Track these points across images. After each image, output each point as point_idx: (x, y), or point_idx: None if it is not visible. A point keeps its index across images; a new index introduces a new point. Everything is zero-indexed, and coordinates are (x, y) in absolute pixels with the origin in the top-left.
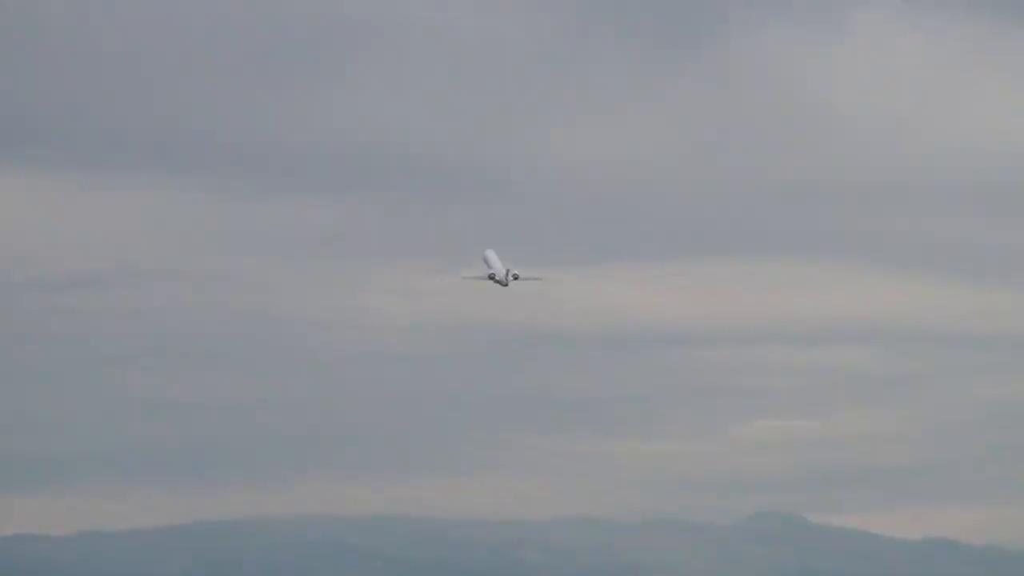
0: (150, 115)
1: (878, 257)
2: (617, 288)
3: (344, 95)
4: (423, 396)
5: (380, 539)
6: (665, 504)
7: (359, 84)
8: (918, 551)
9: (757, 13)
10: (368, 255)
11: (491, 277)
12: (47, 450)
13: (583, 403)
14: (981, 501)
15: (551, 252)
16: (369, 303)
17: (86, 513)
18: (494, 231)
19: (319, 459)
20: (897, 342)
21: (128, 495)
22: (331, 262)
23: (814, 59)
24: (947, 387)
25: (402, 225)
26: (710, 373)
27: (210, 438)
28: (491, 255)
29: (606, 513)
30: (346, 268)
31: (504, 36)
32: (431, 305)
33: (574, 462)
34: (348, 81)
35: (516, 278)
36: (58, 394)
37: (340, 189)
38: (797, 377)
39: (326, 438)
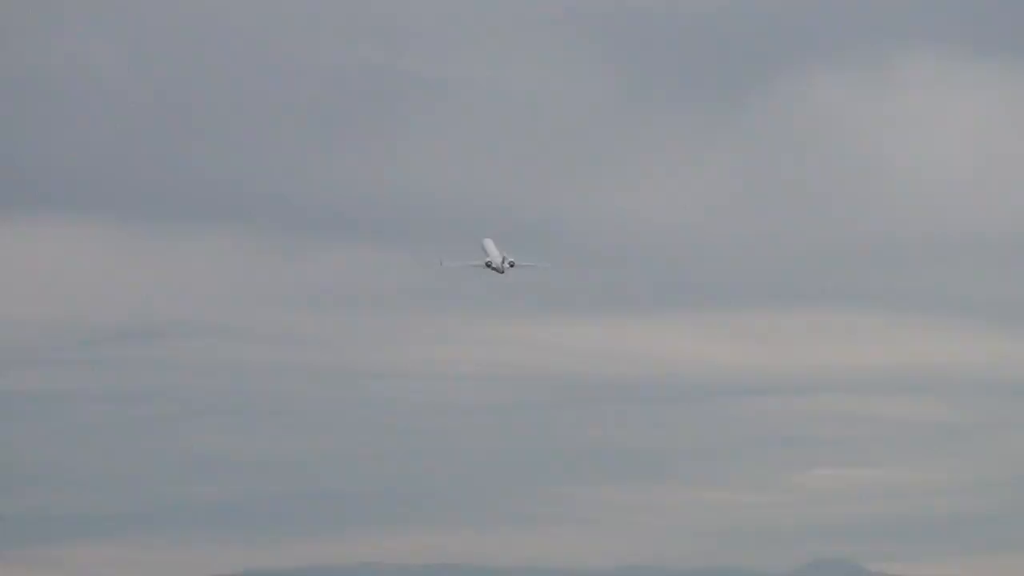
0: (212, 168)
1: (937, 309)
2: (675, 338)
3: (405, 150)
4: (481, 446)
5: None
6: (723, 553)
7: (419, 139)
8: None
9: (807, 67)
10: (428, 308)
11: (488, 265)
12: (99, 503)
13: (641, 453)
14: None
15: (608, 303)
16: (428, 355)
17: (138, 563)
18: (553, 283)
19: (376, 510)
20: (956, 392)
21: (181, 545)
22: (391, 315)
23: (866, 112)
24: (1006, 437)
25: (462, 278)
26: (768, 422)
27: (269, 492)
28: (489, 244)
29: (664, 562)
30: (406, 321)
31: (564, 93)
32: (489, 356)
33: (632, 512)
34: (409, 136)
35: (512, 265)
36: (114, 449)
37: (399, 244)
38: (856, 426)
39: (383, 489)
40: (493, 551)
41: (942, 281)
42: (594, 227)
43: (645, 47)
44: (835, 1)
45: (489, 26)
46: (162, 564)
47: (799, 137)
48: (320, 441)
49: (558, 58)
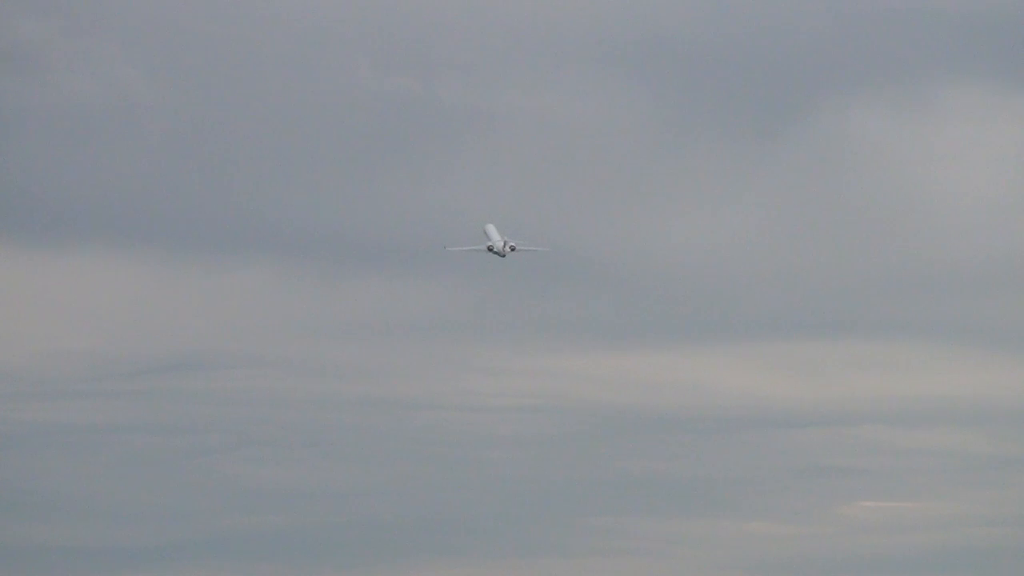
0: (252, 201)
1: (982, 339)
2: (719, 369)
3: (442, 180)
4: (526, 479)
5: None
6: None
7: (457, 170)
8: None
9: (849, 97)
10: (469, 337)
11: (490, 249)
12: (143, 535)
13: (684, 484)
14: None
15: (652, 334)
16: (471, 385)
17: None
18: (595, 313)
19: (417, 542)
20: (1001, 423)
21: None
22: (432, 345)
23: (907, 143)
24: None
25: (502, 308)
26: (813, 454)
27: (309, 523)
28: (491, 229)
29: None
30: (447, 351)
31: (603, 124)
32: (532, 387)
33: (675, 544)
34: (446, 166)
35: (513, 249)
36: (159, 480)
37: (439, 274)
38: (901, 458)
39: (425, 520)
40: None
41: (984, 312)
42: (633, 258)
43: (685, 76)
44: (877, 32)
45: (527, 55)
46: None
47: (840, 168)
48: (361, 472)
49: (597, 87)
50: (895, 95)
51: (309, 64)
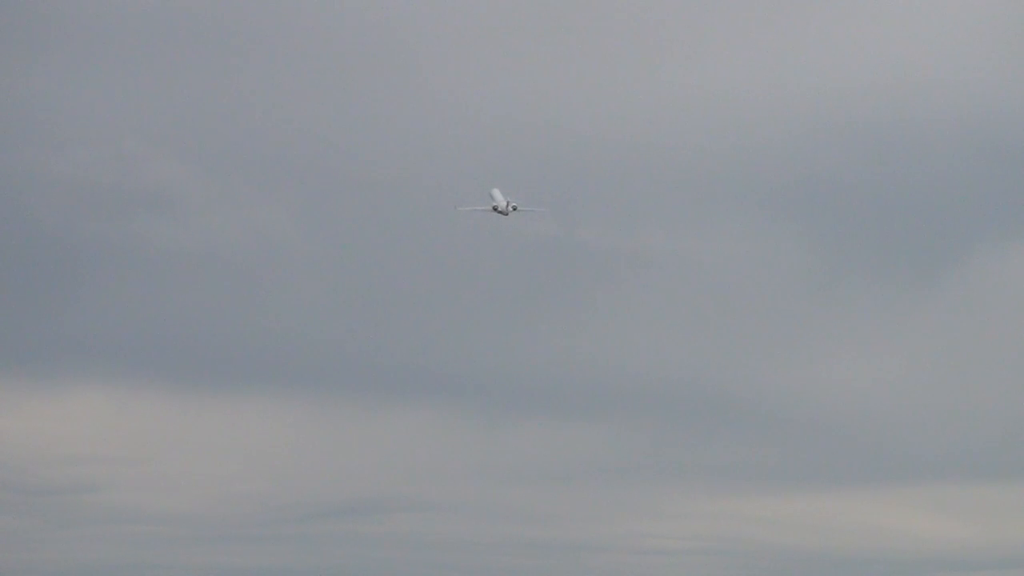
0: (412, 346)
1: None
2: (887, 512)
3: (593, 324)
4: None
5: None
6: None
7: (608, 312)
8: None
9: (1006, 241)
10: (637, 481)
11: (494, 209)
12: None
13: None
14: None
15: (819, 477)
16: (642, 529)
17: None
18: (762, 456)
19: None
20: None
21: None
22: (600, 489)
23: None
24: None
25: (670, 452)
26: None
27: None
28: (496, 192)
29: None
30: (615, 494)
31: (755, 266)
32: (702, 530)
33: None
34: (596, 309)
35: (515, 209)
36: None
37: (598, 418)
38: None
39: None
40: None
41: None
42: (792, 400)
43: (839, 220)
44: None
45: (673, 196)
46: None
47: (1000, 311)
48: None
49: (748, 229)
50: None
51: (451, 218)
